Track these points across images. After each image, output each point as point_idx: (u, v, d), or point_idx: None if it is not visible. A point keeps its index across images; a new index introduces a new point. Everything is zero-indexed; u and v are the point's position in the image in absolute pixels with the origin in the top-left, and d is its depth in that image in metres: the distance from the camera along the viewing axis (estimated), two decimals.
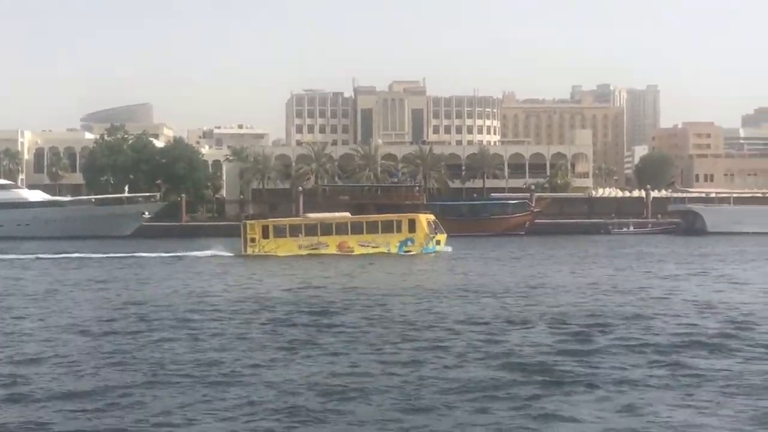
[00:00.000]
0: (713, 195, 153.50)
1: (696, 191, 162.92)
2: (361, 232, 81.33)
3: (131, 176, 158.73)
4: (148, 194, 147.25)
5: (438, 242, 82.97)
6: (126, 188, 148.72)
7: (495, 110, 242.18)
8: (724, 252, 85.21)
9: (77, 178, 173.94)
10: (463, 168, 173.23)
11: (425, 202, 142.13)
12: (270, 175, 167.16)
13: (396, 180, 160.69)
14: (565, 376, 21.91)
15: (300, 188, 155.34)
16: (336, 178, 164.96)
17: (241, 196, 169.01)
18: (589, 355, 25.16)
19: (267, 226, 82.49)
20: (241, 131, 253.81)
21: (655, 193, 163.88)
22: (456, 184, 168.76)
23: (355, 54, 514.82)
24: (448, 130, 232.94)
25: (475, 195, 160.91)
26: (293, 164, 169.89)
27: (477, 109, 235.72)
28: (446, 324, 31.97)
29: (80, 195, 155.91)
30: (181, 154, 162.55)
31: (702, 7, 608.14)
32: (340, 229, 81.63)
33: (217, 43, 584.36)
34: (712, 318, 33.51)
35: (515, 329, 30.59)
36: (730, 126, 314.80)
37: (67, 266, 68.35)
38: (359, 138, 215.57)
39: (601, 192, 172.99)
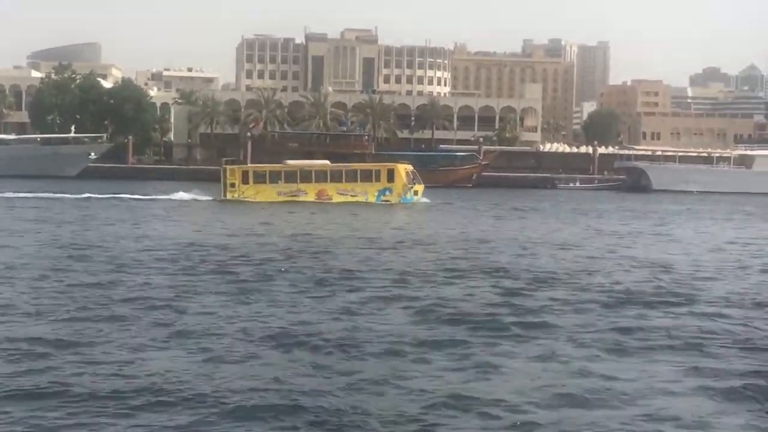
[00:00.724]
0: (659, 153, 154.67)
1: (642, 149, 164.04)
2: (340, 181, 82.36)
3: (78, 116, 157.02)
4: (94, 135, 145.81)
5: (416, 192, 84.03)
6: (72, 128, 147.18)
7: (446, 61, 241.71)
8: (666, 210, 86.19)
9: (23, 116, 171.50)
10: (413, 118, 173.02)
11: (374, 152, 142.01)
12: (219, 120, 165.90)
13: (345, 129, 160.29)
14: (500, 329, 22.30)
15: (248, 134, 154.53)
16: (285, 125, 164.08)
17: (189, 140, 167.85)
18: (525, 309, 25.64)
19: (247, 172, 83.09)
20: (191, 74, 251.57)
21: (602, 150, 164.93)
22: (405, 134, 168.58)
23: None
24: (398, 79, 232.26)
25: (423, 146, 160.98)
26: (242, 110, 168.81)
27: (428, 59, 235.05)
28: (391, 274, 32.36)
29: (26, 134, 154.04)
30: (129, 95, 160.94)
31: None
32: (320, 176, 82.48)
33: None
34: (647, 275, 34.06)
35: (457, 282, 30.97)
36: (678, 85, 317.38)
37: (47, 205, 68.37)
38: (309, 85, 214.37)
39: (548, 147, 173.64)
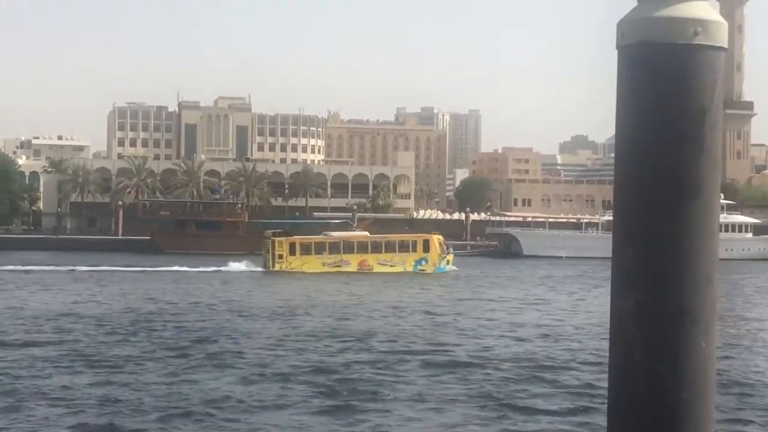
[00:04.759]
0: (530, 219, 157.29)
1: (514, 215, 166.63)
2: (380, 251, 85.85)
3: None
4: None
5: (448, 262, 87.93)
6: None
7: (320, 129, 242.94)
8: (521, 275, 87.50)
9: None
10: (287, 186, 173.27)
11: (247, 220, 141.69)
12: (89, 188, 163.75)
13: (218, 196, 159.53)
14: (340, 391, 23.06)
15: (120, 202, 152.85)
16: (157, 193, 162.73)
17: (59, 209, 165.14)
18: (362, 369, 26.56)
19: (294, 243, 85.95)
20: (61, 142, 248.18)
21: (474, 216, 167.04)
22: (279, 202, 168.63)
23: (180, 68, 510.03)
24: (272, 147, 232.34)
25: (297, 213, 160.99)
26: (114, 178, 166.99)
27: (302, 127, 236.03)
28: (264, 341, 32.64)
29: None
30: None
31: (521, 39, 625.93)
32: (361, 247, 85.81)
33: (39, 50, 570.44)
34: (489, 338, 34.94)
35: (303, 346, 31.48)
36: (548, 152, 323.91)
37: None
38: (183, 153, 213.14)
39: (422, 213, 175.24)
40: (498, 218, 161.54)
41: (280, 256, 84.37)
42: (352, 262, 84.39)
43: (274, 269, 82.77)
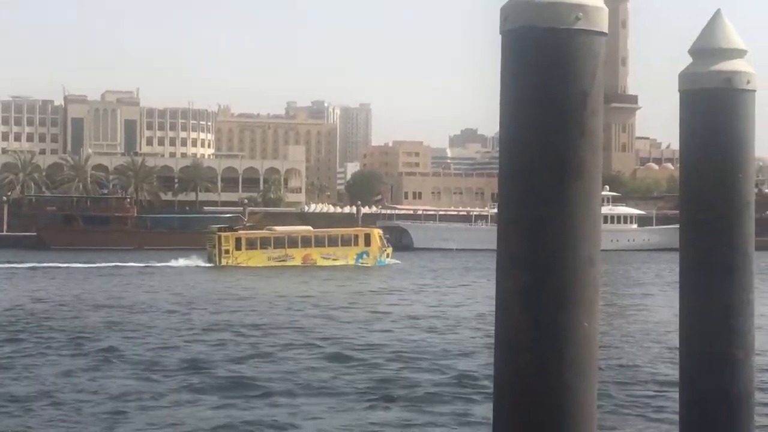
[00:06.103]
0: (420, 212, 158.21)
1: (404, 208, 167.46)
2: (323, 245, 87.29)
3: None
4: None
5: (388, 255, 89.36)
6: None
7: (210, 123, 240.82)
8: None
9: None
10: (176, 181, 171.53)
11: (136, 215, 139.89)
12: None
13: (106, 191, 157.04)
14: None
15: (5, 198, 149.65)
16: (44, 189, 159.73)
17: None
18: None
19: (240, 238, 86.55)
20: None
21: (365, 210, 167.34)
22: (169, 196, 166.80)
23: (66, 61, 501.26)
24: (161, 141, 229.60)
25: (187, 208, 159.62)
26: None
27: (191, 121, 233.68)
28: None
29: None
30: None
31: (410, 30, 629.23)
32: (306, 242, 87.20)
33: None
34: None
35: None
36: (438, 146, 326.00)
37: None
38: (69, 148, 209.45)
39: (313, 207, 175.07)
40: (389, 211, 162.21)
41: (227, 251, 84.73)
42: (297, 257, 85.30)
43: (221, 264, 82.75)
